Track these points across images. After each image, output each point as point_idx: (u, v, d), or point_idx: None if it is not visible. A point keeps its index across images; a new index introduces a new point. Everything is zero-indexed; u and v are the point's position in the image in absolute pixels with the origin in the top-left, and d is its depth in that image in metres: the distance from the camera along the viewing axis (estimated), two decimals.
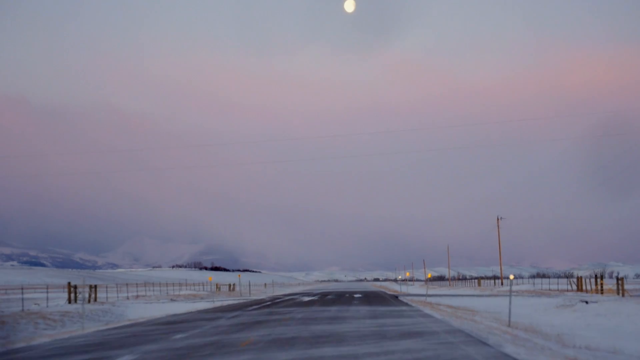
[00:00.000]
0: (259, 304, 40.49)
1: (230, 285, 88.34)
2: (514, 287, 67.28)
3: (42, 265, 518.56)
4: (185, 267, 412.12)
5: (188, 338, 18.13)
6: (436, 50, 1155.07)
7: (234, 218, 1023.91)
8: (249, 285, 74.48)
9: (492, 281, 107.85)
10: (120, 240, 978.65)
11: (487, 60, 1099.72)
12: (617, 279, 46.87)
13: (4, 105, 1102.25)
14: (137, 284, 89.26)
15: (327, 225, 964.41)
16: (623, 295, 42.25)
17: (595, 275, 54.50)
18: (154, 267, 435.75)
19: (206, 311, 32.70)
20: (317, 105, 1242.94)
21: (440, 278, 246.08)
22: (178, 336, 18.77)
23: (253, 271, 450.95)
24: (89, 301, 43.27)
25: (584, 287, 57.60)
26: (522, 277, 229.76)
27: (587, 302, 31.49)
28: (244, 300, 48.13)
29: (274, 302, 42.03)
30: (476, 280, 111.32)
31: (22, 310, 31.18)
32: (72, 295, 42.45)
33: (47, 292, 47.26)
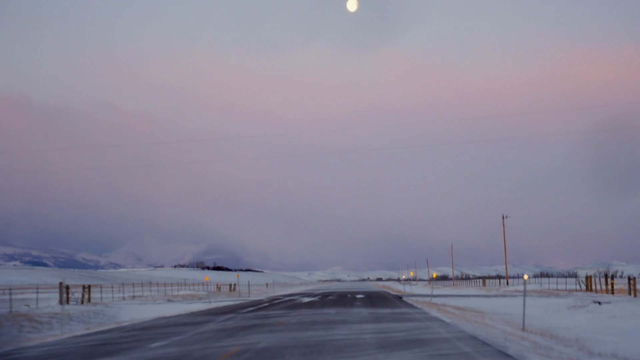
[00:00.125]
0: (256, 305, 38.83)
1: (230, 285, 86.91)
2: (520, 287, 65.63)
3: (45, 265, 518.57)
4: (188, 266, 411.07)
5: (166, 347, 16.13)
6: (438, 49, 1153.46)
7: (236, 218, 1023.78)
8: (248, 285, 73.05)
9: (497, 281, 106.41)
10: (123, 240, 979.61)
11: (489, 59, 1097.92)
12: (629, 278, 45.31)
13: (6, 105, 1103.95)
14: (133, 284, 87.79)
15: (330, 225, 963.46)
16: (635, 295, 40.73)
17: (605, 275, 53.08)
18: (156, 267, 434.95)
19: (198, 313, 30.89)
20: (318, 104, 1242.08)
21: (443, 278, 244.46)
22: (156, 344, 16.80)
23: (255, 271, 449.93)
24: (82, 302, 41.99)
25: (593, 287, 56.03)
26: None
27: (599, 303, 30.16)
28: (242, 301, 46.57)
29: (272, 304, 40.35)
30: (480, 280, 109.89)
31: (10, 311, 29.88)
32: (65, 295, 41.21)
33: (37, 293, 45.51)
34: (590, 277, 59.53)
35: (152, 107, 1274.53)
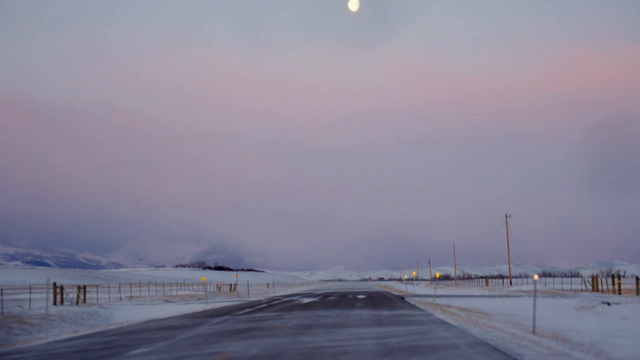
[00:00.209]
0: (253, 306, 37.63)
1: (231, 285, 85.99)
2: (524, 287, 64.51)
3: (46, 265, 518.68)
4: (189, 266, 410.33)
5: (147, 354, 14.72)
6: (439, 48, 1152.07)
7: (238, 217, 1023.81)
8: (247, 285, 71.99)
9: (500, 281, 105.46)
10: (125, 239, 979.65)
11: (490, 59, 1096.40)
12: (637, 278, 44.33)
13: (7, 104, 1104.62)
14: (131, 284, 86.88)
15: (332, 225, 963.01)
16: None
17: (612, 275, 51.99)
18: (157, 266, 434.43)
19: (191, 315, 29.52)
20: (320, 103, 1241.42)
21: (445, 277, 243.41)
22: (137, 351, 15.37)
23: (257, 270, 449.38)
24: (78, 303, 41.07)
25: (599, 287, 54.95)
26: (527, 277, 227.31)
27: (608, 304, 29.16)
28: (240, 302, 45.47)
29: (270, 305, 39.16)
30: (483, 280, 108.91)
31: (2, 313, 29.04)
32: (58, 296, 40.30)
33: (30, 293, 44.43)
34: (597, 277, 58.46)
35: (153, 106, 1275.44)
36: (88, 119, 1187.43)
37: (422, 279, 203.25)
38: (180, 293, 63.21)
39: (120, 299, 52.40)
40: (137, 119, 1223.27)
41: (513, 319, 24.53)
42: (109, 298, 52.82)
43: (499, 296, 48.90)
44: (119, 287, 71.24)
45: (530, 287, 62.55)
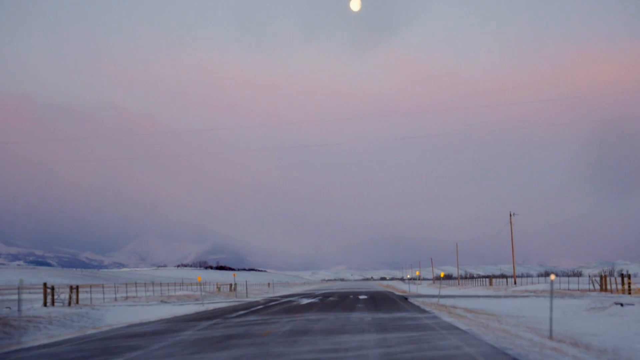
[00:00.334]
0: (249, 308, 36.03)
1: (231, 285, 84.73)
2: (529, 287, 62.99)
3: (48, 264, 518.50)
4: (191, 266, 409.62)
5: None
6: (441, 48, 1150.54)
7: (240, 217, 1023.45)
8: (246, 285, 70.64)
9: (504, 280, 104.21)
10: (127, 239, 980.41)
11: (493, 59, 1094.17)
12: None
13: (9, 104, 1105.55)
14: (127, 284, 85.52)
15: (334, 225, 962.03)
16: None
17: (622, 274, 50.77)
18: (159, 266, 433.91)
19: (181, 318, 27.70)
20: (322, 104, 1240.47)
21: (448, 277, 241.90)
22: None
23: (259, 270, 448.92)
24: (70, 304, 39.82)
25: (608, 287, 53.62)
26: (530, 276, 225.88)
27: (622, 305, 27.75)
28: (236, 303, 43.98)
29: (266, 306, 37.55)
30: (486, 280, 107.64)
31: None
32: (49, 297, 39.03)
33: (19, 294, 43.07)
34: (605, 276, 57.15)
35: (155, 106, 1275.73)
36: (90, 119, 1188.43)
37: (425, 279, 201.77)
38: (177, 293, 61.93)
39: (116, 299, 51.17)
40: (139, 119, 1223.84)
41: (523, 321, 23.22)
42: (104, 298, 51.60)
43: (505, 296, 47.55)
44: (116, 287, 70.06)
45: (536, 287, 61.03)
